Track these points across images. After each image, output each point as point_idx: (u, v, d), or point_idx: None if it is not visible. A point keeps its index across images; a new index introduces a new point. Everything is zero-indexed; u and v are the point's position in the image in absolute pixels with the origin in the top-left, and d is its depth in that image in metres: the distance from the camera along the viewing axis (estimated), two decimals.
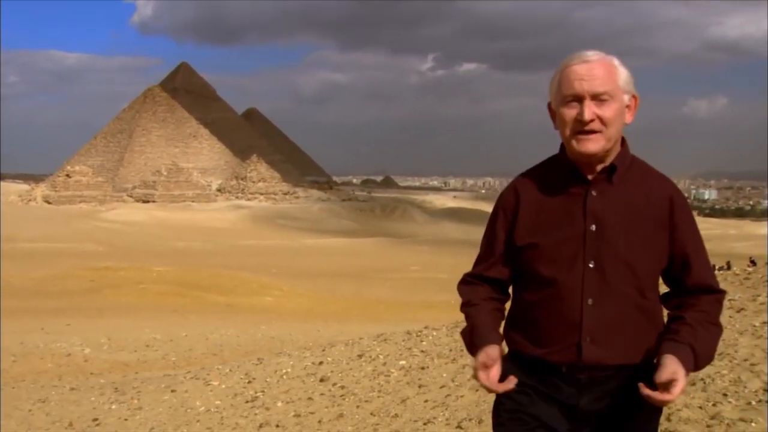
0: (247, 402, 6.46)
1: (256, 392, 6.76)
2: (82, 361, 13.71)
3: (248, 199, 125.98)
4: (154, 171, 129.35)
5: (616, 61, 1.95)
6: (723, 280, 9.51)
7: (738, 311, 6.56)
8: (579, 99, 1.89)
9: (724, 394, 4.08)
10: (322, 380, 6.75)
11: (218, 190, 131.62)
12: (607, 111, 1.88)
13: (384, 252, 76.10)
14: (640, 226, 1.92)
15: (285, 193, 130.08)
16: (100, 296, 35.58)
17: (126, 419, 6.52)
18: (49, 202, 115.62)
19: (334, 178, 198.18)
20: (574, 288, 1.92)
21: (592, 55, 1.93)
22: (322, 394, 6.21)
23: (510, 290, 2.10)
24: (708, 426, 3.66)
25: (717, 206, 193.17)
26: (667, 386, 1.78)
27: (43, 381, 10.80)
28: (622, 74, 1.94)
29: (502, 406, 2.03)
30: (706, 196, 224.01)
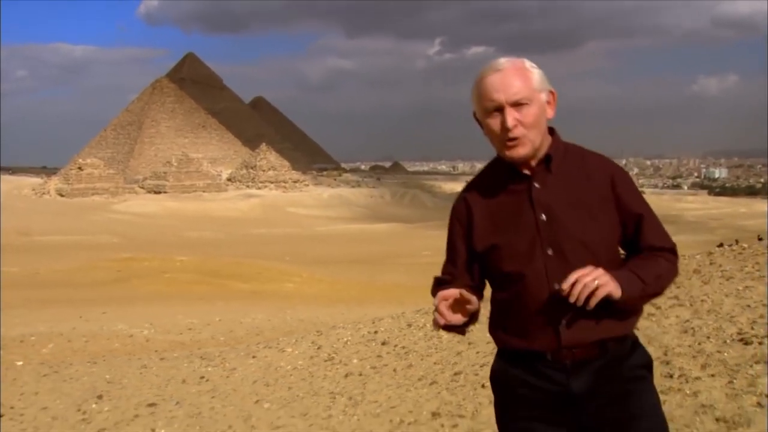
0: (325, 361, 7.87)
1: (329, 354, 8.17)
2: (144, 341, 15.17)
3: (258, 188, 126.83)
4: (165, 162, 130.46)
5: (527, 63, 2.05)
6: (721, 254, 10.87)
7: (727, 279, 7.98)
8: (500, 108, 2.00)
9: (708, 337, 5.48)
10: (383, 343, 8.15)
11: (228, 179, 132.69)
12: (528, 115, 1.99)
13: (395, 237, 77.18)
14: (587, 204, 2.03)
15: (295, 181, 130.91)
16: (128, 286, 37.08)
17: (227, 376, 7.94)
18: (62, 195, 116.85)
19: (343, 165, 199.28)
20: (539, 277, 2.01)
21: (504, 62, 2.03)
22: (388, 353, 7.62)
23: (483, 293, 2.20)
24: (693, 357, 5.07)
25: (727, 185, 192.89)
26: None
27: (120, 357, 12.24)
28: (535, 75, 2.04)
29: (500, 408, 2.17)
30: (717, 175, 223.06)
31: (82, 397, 7.27)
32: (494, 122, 2.01)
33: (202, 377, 8.03)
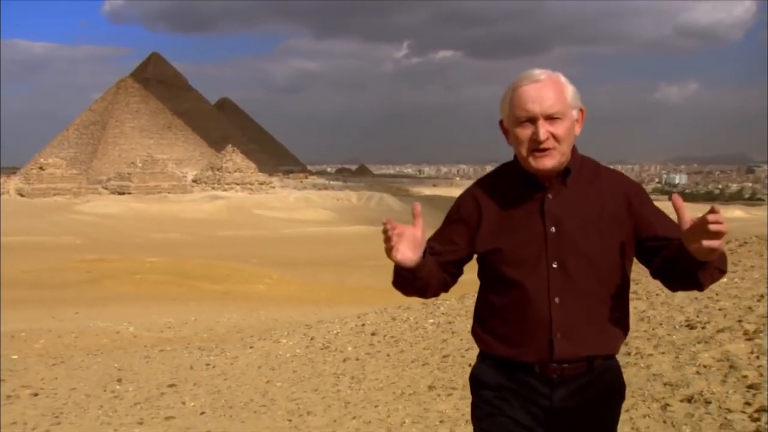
0: (321, 349, 8.63)
1: (324, 344, 8.93)
2: (131, 337, 15.70)
3: (224, 190, 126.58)
4: (129, 163, 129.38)
5: (562, 78, 2.04)
6: None
7: None
8: (533, 120, 1.98)
9: (660, 324, 6.44)
10: (373, 334, 8.96)
11: (194, 181, 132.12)
12: (560, 129, 1.99)
13: (362, 240, 77.77)
14: (597, 222, 2.02)
15: (261, 183, 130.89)
16: (99, 286, 37.15)
17: (231, 363, 8.64)
18: (22, 195, 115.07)
19: (309, 168, 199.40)
20: (540, 288, 2.00)
21: (541, 74, 2.01)
22: (378, 341, 8.42)
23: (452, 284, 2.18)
24: (648, 339, 6.01)
25: (687, 191, 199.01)
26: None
27: (114, 351, 12.81)
28: (570, 91, 2.03)
29: (480, 411, 2.14)
30: (677, 181, 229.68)
31: (102, 380, 7.93)
32: (524, 132, 2.01)
33: (208, 364, 8.73)
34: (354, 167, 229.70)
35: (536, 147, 1.99)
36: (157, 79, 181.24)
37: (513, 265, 2.03)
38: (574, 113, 2.04)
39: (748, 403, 4.11)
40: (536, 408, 2.06)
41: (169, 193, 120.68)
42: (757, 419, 3.87)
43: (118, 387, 7.46)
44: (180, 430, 5.52)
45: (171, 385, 7.41)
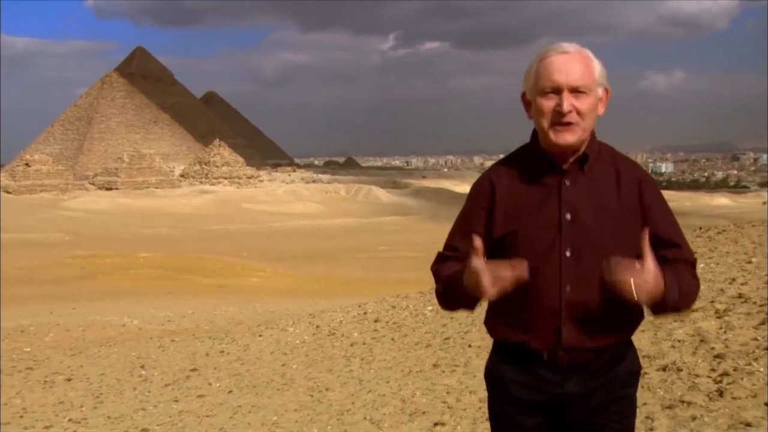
0: (328, 335, 9.24)
1: (330, 331, 9.53)
2: (137, 330, 16.23)
3: (212, 184, 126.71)
4: (116, 158, 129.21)
5: (591, 54, 1.99)
6: None
7: None
8: (557, 91, 1.94)
9: None
10: (376, 320, 9.58)
11: (181, 175, 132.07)
12: (584, 104, 1.95)
13: (351, 233, 78.48)
14: (613, 211, 1.98)
15: (249, 177, 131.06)
16: (94, 282, 37.53)
17: (245, 350, 9.22)
18: (8, 192, 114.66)
19: (297, 161, 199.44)
20: (552, 276, 1.97)
21: (569, 47, 1.97)
22: (382, 327, 9.04)
23: None
24: None
25: (673, 179, 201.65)
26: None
27: (124, 343, 13.35)
28: (597, 68, 1.99)
29: (496, 416, 2.18)
30: (663, 170, 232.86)
31: (126, 367, 8.52)
32: (547, 104, 1.97)
33: (222, 351, 9.33)
34: (342, 160, 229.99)
35: (558, 120, 1.96)
36: (142, 74, 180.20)
37: (526, 250, 1.98)
38: (600, 91, 2.02)
39: (713, 370, 4.78)
40: (548, 397, 2.05)
41: (156, 188, 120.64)
42: (720, 381, 4.53)
43: (144, 372, 8.05)
44: (214, 406, 6.15)
45: (193, 370, 8.01)
